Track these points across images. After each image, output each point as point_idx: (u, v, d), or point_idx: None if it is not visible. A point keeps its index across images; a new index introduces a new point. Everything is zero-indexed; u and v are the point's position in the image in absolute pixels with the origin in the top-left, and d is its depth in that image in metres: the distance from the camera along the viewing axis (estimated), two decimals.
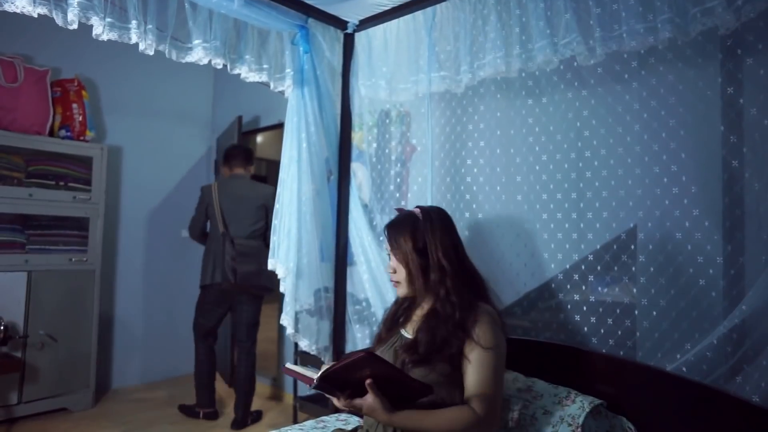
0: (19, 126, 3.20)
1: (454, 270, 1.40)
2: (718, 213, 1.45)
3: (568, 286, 1.74)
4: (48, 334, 3.23)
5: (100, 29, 1.65)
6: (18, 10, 1.53)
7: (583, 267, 1.71)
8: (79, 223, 3.49)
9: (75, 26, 1.60)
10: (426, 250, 1.42)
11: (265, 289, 3.19)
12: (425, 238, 1.43)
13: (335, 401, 1.29)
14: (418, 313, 1.48)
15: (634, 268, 1.60)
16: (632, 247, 1.61)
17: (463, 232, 1.97)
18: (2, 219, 3.21)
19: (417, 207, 1.52)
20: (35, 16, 1.56)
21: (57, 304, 3.32)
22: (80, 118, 3.46)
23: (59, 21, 1.59)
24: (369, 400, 1.23)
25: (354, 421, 1.87)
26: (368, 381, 1.23)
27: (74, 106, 3.45)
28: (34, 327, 3.19)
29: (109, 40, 1.65)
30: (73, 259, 3.41)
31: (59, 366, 3.30)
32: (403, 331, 1.48)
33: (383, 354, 1.41)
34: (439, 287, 1.40)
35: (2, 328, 2.83)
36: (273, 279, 3.03)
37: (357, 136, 2.43)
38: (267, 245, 2.49)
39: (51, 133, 3.38)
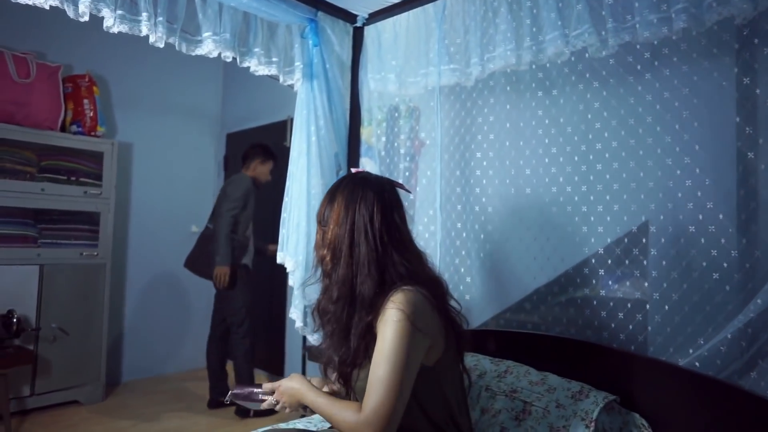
0: (31, 121, 3.22)
1: (342, 254, 1.23)
2: (732, 206, 1.43)
3: (578, 280, 1.73)
4: (60, 327, 3.26)
5: (111, 21, 1.65)
6: (30, 2, 1.53)
7: (593, 261, 1.69)
8: (90, 218, 3.51)
9: (86, 18, 1.61)
10: (327, 223, 1.28)
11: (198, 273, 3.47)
12: (331, 208, 1.28)
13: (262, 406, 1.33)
14: None
15: (645, 262, 1.58)
16: (644, 240, 1.59)
17: (472, 226, 1.97)
18: (15, 213, 3.24)
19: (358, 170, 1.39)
20: (47, 8, 1.57)
21: (68, 298, 3.35)
22: (91, 114, 3.48)
23: (70, 13, 1.59)
24: (284, 382, 1.29)
25: None
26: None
27: (85, 101, 3.47)
28: (46, 320, 3.22)
29: (118, 38, 1.66)
30: (84, 253, 3.44)
31: (70, 359, 3.33)
32: None
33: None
34: (324, 266, 1.28)
35: (15, 320, 2.86)
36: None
37: (366, 132, 2.42)
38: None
39: (63, 129, 3.41)
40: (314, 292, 2.21)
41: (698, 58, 1.49)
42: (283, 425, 1.71)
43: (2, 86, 3.10)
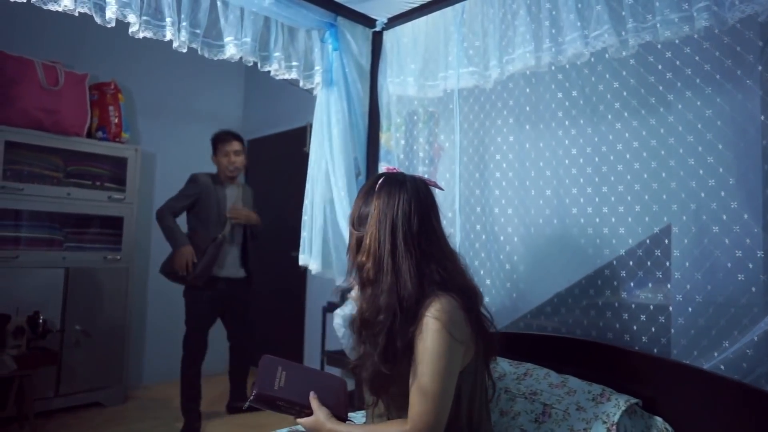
0: (59, 128, 3.32)
1: (383, 260, 1.20)
2: (757, 205, 1.40)
3: (599, 282, 1.70)
4: (83, 330, 3.32)
5: (137, 27, 1.69)
6: (60, 9, 1.58)
7: (614, 262, 1.67)
8: (113, 222, 3.59)
9: (113, 24, 1.65)
10: (364, 225, 1.24)
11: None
12: (368, 210, 1.24)
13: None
14: None
15: (668, 263, 1.55)
16: (666, 241, 1.56)
17: (492, 228, 1.96)
18: (42, 217, 3.33)
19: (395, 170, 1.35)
20: (76, 14, 1.61)
21: (92, 301, 3.42)
22: (116, 120, 3.57)
23: (98, 19, 1.64)
24: (311, 421, 1.23)
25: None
26: (311, 394, 1.26)
27: (111, 108, 3.56)
28: (70, 322, 3.30)
29: (142, 49, 1.69)
30: (108, 257, 3.51)
31: (93, 361, 3.39)
32: None
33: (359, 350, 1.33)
34: (363, 273, 1.23)
35: (41, 321, 2.92)
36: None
37: (385, 136, 2.43)
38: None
39: (89, 135, 3.50)
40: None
41: (721, 57, 1.47)
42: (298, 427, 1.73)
43: (32, 94, 3.20)
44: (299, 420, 1.27)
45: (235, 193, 3.34)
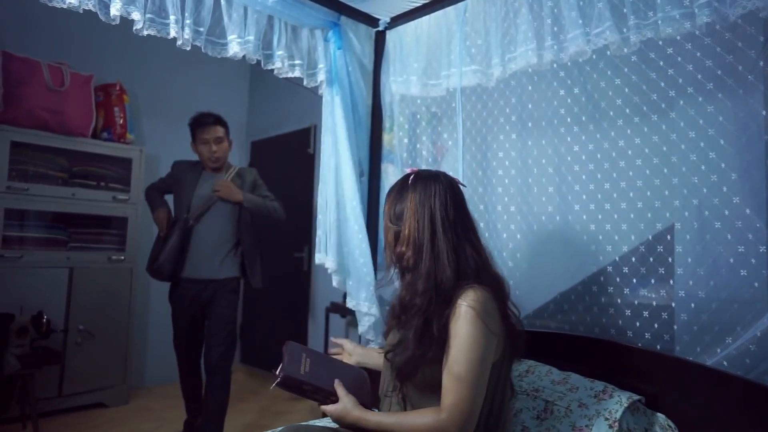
0: (65, 128, 3.34)
1: (423, 247, 1.24)
2: (760, 201, 1.39)
3: (602, 279, 1.70)
4: (87, 330, 3.33)
5: (141, 24, 1.71)
6: (65, 6, 1.59)
7: (617, 258, 1.66)
8: (118, 223, 3.60)
9: (117, 21, 1.66)
10: (401, 219, 1.30)
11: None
12: (404, 204, 1.30)
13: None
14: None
15: (670, 259, 1.55)
16: (668, 237, 1.56)
17: (494, 225, 1.96)
18: (47, 217, 3.35)
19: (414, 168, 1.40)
20: (81, 11, 1.63)
21: (95, 301, 3.42)
22: (121, 121, 3.59)
23: (102, 17, 1.65)
24: (338, 402, 1.27)
25: None
26: (336, 381, 1.30)
27: (116, 109, 3.59)
28: (73, 322, 3.30)
29: (146, 50, 1.70)
30: (112, 258, 3.52)
31: (96, 361, 3.39)
32: None
33: (394, 337, 1.34)
34: (403, 263, 1.28)
35: (45, 321, 2.93)
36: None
37: (387, 137, 2.44)
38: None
39: (94, 135, 3.51)
40: (357, 297, 2.20)
41: (722, 53, 1.47)
42: (304, 423, 1.72)
43: (38, 94, 3.22)
44: (324, 407, 1.29)
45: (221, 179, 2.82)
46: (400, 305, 1.28)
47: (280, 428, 1.44)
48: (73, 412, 3.31)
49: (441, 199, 1.29)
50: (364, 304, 2.15)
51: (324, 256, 2.25)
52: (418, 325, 1.19)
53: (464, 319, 1.15)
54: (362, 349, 1.69)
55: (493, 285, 1.25)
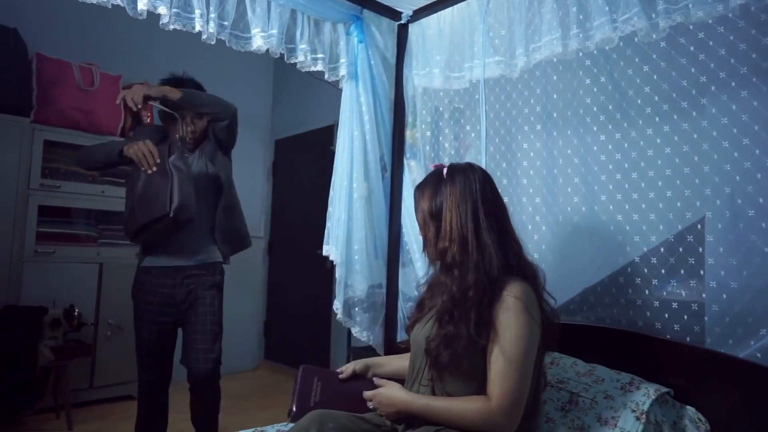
0: (95, 127, 3.41)
1: (468, 239, 1.23)
2: None
3: (629, 270, 1.66)
4: (116, 324, 3.40)
5: (167, 19, 1.74)
6: (95, 2, 1.64)
7: (645, 248, 1.62)
8: None
9: (143, 16, 1.70)
10: (441, 214, 1.28)
11: None
12: (442, 198, 1.29)
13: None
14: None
15: (701, 249, 1.51)
16: (699, 227, 1.52)
17: (519, 217, 1.94)
18: (78, 214, 3.44)
19: (448, 163, 1.39)
20: (109, 6, 1.67)
21: (124, 296, 3.47)
22: (148, 120, 3.65)
23: (129, 11, 1.69)
24: (382, 391, 1.30)
25: None
26: (375, 378, 1.37)
27: None
28: (103, 316, 3.38)
29: (173, 50, 1.71)
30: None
31: (125, 355, 3.44)
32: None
33: (421, 331, 1.35)
34: (448, 258, 1.26)
35: (76, 314, 3.00)
36: None
37: (410, 134, 2.43)
38: None
39: (122, 134, 3.58)
40: (360, 292, 2.23)
41: (757, 35, 1.42)
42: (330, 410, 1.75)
43: (69, 94, 3.31)
44: (367, 393, 1.35)
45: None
46: (452, 301, 1.24)
47: (306, 415, 1.44)
48: (104, 404, 3.39)
49: (481, 187, 1.29)
50: (361, 304, 2.22)
51: (330, 248, 2.26)
52: (475, 318, 1.18)
53: (512, 311, 1.16)
54: (370, 362, 1.59)
55: (531, 275, 1.25)
